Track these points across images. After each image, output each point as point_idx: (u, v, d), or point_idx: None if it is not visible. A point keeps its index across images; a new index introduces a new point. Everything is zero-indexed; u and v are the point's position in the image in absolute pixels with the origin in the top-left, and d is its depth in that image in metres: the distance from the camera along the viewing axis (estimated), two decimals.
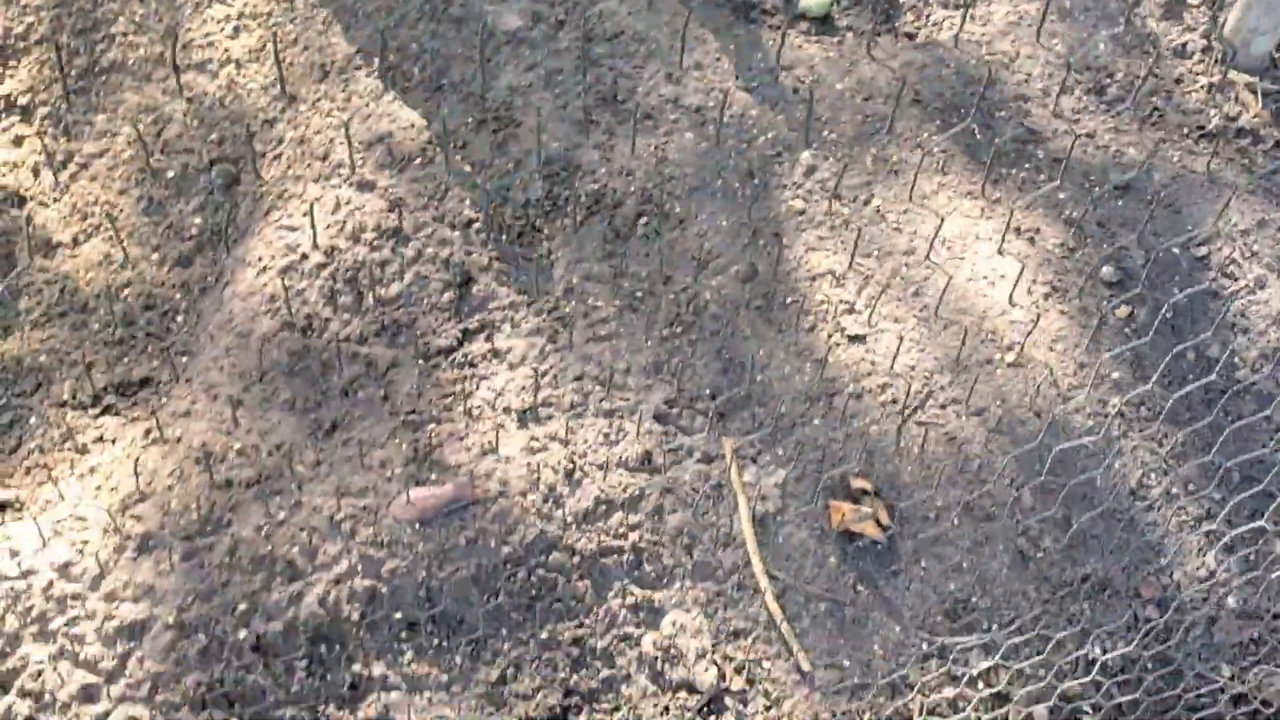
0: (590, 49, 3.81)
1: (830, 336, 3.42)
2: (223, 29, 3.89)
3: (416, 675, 2.93)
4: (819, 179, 3.64)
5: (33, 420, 3.27)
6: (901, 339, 3.39)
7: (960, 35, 4.02)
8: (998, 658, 3.05)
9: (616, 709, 2.93)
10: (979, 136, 3.88)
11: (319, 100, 3.72)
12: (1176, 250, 3.68)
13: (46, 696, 2.80)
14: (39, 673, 2.82)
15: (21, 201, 3.62)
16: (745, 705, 2.98)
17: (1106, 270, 3.62)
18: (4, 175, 3.67)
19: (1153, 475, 3.33)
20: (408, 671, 2.93)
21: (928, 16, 4.12)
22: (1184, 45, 4.12)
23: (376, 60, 3.74)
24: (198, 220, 3.65)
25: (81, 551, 2.94)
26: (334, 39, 3.80)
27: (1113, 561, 3.21)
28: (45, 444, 3.22)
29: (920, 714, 2.97)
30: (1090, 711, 3.05)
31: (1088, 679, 3.04)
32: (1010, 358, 3.42)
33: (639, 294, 3.46)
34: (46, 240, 3.56)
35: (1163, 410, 3.35)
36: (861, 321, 3.44)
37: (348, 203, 3.48)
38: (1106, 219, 3.73)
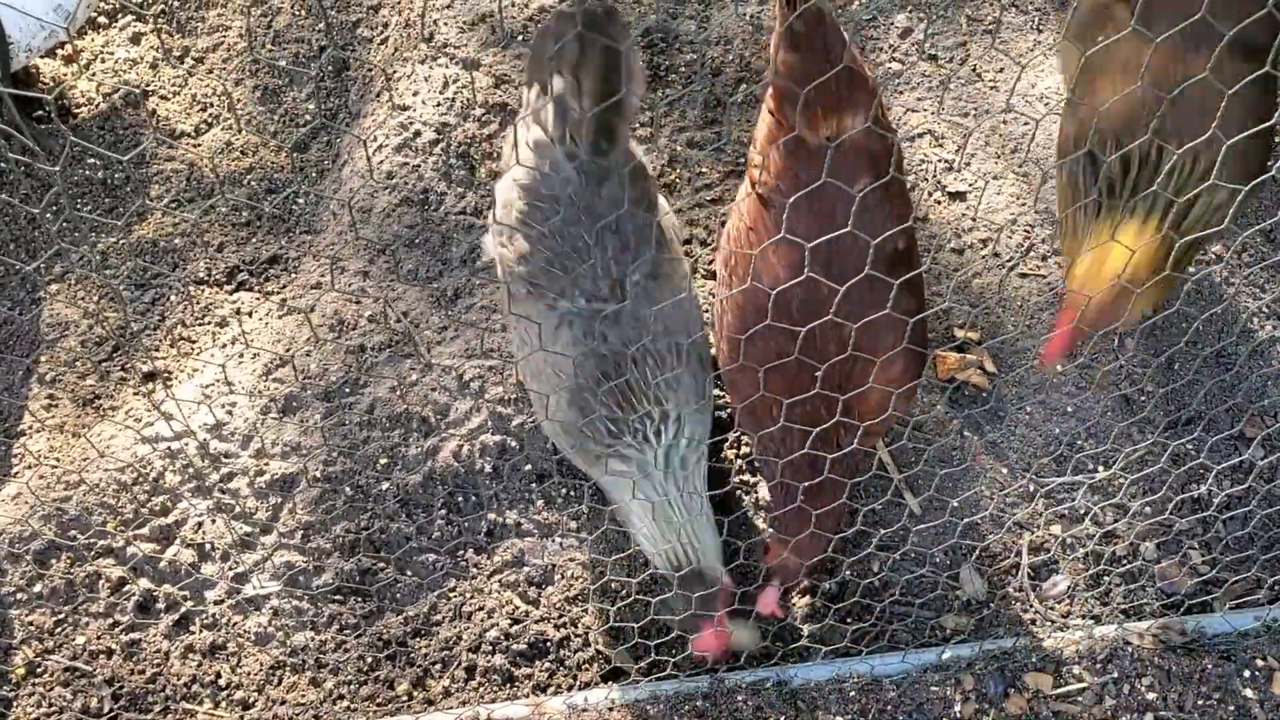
0: None
1: (931, 194, 3.47)
2: None
3: (547, 522, 3.08)
4: (915, 40, 3.67)
5: (173, 298, 3.44)
6: (1001, 194, 3.44)
7: None
8: (1104, 497, 3.13)
9: (736, 551, 3.07)
10: None
11: None
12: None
13: (207, 546, 3.00)
14: (199, 525, 3.02)
15: (144, 95, 3.77)
16: (859, 547, 3.09)
17: None
18: (126, 71, 3.82)
19: (1255, 320, 3.36)
20: (539, 519, 3.08)
21: None
22: None
23: None
24: (310, 106, 3.78)
25: (231, 413, 3.12)
26: None
27: (1217, 403, 3.26)
28: (186, 319, 3.40)
29: (1028, 553, 3.07)
30: (1197, 548, 3.13)
31: (1195, 517, 3.12)
32: None
33: (742, 159, 3.53)
34: (170, 131, 3.71)
35: (1267, 257, 3.37)
36: (961, 179, 3.49)
37: (455, 81, 3.58)
38: None
